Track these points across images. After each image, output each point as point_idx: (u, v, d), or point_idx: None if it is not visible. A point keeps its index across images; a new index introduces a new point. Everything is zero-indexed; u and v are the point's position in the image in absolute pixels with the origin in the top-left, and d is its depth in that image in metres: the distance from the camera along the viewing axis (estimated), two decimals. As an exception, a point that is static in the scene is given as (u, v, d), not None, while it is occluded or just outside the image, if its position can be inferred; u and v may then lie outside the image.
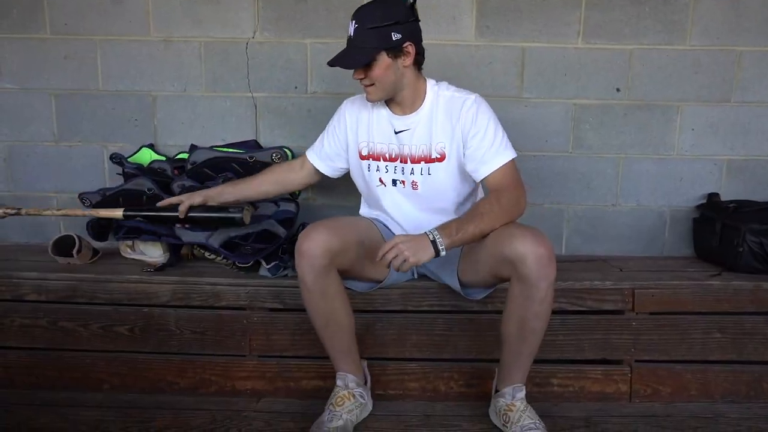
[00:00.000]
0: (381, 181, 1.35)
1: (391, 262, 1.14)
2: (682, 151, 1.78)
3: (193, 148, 1.72)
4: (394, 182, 1.34)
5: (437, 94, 1.30)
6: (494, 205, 1.21)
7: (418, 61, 1.27)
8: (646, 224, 1.82)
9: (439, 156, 1.29)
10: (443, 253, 1.14)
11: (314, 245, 1.18)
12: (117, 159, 1.73)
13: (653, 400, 1.48)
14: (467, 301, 1.39)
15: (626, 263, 1.68)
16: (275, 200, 1.66)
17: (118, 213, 1.44)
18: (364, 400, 1.32)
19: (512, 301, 1.20)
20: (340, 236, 1.22)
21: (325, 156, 1.43)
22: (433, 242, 1.14)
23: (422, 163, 1.30)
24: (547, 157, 1.78)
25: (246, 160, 1.67)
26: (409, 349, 1.46)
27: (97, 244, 1.66)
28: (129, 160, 1.73)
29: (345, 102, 1.42)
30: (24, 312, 1.48)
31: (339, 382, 1.30)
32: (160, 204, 1.43)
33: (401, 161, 1.32)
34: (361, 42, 1.19)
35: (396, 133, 1.31)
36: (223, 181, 1.65)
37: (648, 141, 1.77)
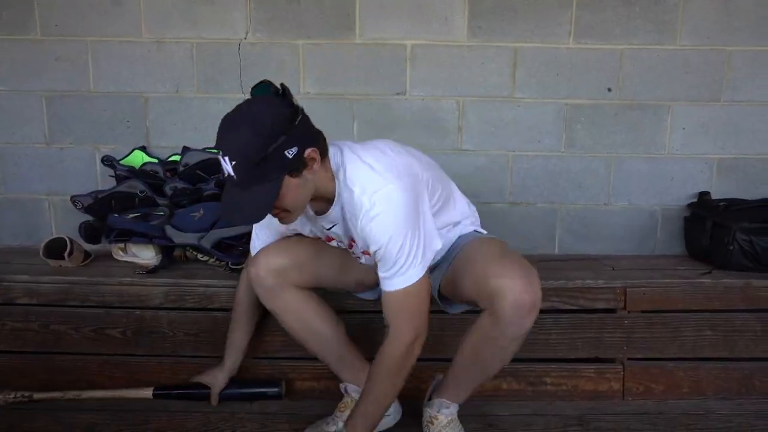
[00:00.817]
0: (328, 238, 1.21)
1: None
2: (673, 151, 1.79)
3: (185, 149, 1.71)
4: (339, 246, 1.21)
5: (342, 183, 1.03)
6: (394, 375, 1.04)
7: (324, 151, 1.01)
8: (637, 223, 1.83)
9: (365, 249, 1.11)
10: None
11: (258, 268, 1.18)
12: (108, 161, 1.72)
13: (646, 397, 1.49)
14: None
15: (618, 262, 1.69)
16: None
17: (147, 393, 1.37)
18: None
19: (477, 330, 1.10)
20: (287, 254, 1.18)
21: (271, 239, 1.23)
22: None
23: (359, 246, 1.13)
24: (540, 156, 1.79)
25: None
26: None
27: (89, 247, 1.65)
28: (121, 162, 1.72)
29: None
30: (15, 315, 1.47)
31: (341, 390, 1.31)
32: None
33: (347, 246, 1.18)
34: (251, 182, 0.91)
35: (328, 229, 1.15)
36: (216, 184, 1.65)
37: (639, 140, 1.78)
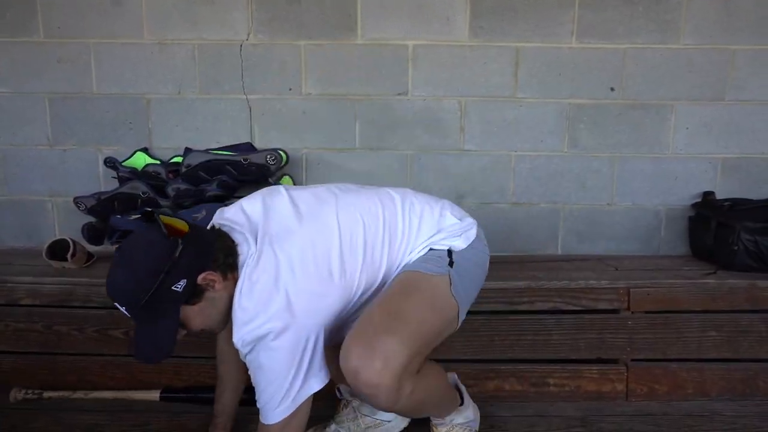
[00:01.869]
0: None
1: None
2: (677, 150, 1.78)
3: (187, 150, 1.72)
4: None
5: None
6: None
7: (228, 266, 0.95)
8: (641, 223, 1.83)
9: None
10: None
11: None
12: (111, 163, 1.73)
13: (649, 398, 1.48)
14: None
15: (622, 262, 1.68)
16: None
17: (154, 395, 1.37)
18: (367, 413, 1.25)
19: None
20: None
21: None
22: None
23: None
24: (543, 156, 1.79)
25: (240, 162, 1.67)
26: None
27: (91, 248, 1.66)
28: (123, 164, 1.72)
29: None
30: (18, 316, 1.47)
31: (336, 393, 1.30)
32: None
33: None
34: (147, 320, 0.90)
35: None
36: (218, 185, 1.65)
37: (642, 140, 1.78)
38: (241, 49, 1.72)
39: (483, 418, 1.36)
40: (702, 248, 1.71)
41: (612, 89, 1.74)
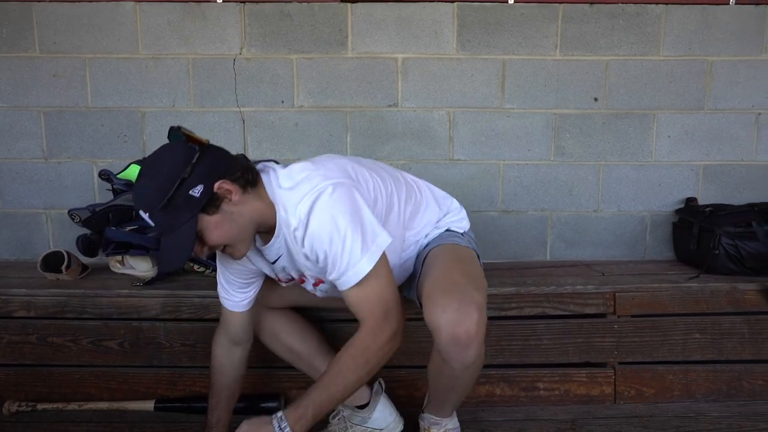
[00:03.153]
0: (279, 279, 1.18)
1: None
2: (660, 158, 1.84)
3: (181, 162, 1.74)
4: (305, 291, 1.17)
5: (279, 206, 1.00)
6: (361, 367, 0.95)
7: (247, 181, 0.97)
8: (627, 229, 1.87)
9: (316, 281, 1.10)
10: None
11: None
12: (105, 175, 1.75)
13: (637, 401, 1.51)
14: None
15: (608, 267, 1.73)
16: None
17: (148, 405, 1.38)
18: (357, 422, 1.28)
19: (431, 360, 1.08)
20: (264, 286, 1.18)
21: (242, 300, 1.17)
22: None
23: (309, 279, 1.11)
24: (530, 165, 1.83)
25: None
26: (397, 356, 1.45)
27: (86, 260, 1.67)
28: (118, 176, 1.74)
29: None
30: (13, 329, 1.48)
31: None
32: None
33: (298, 282, 1.15)
34: (170, 227, 0.92)
35: (272, 263, 1.10)
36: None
37: (626, 148, 1.83)
38: (234, 63, 1.76)
39: (474, 423, 1.39)
40: (686, 253, 1.76)
41: (596, 99, 1.80)
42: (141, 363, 1.48)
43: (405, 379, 1.47)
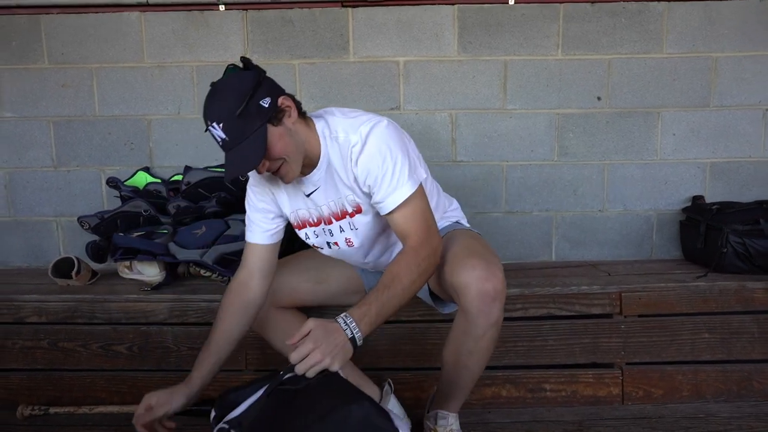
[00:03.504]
0: (316, 246, 1.25)
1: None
2: (665, 156, 1.82)
3: (187, 169, 1.77)
4: (329, 244, 1.22)
5: (329, 139, 1.11)
6: (413, 273, 1.03)
7: (300, 107, 1.10)
8: (633, 228, 1.86)
9: (354, 209, 1.15)
10: (360, 344, 0.98)
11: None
12: (113, 183, 1.78)
13: (645, 402, 1.49)
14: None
15: (614, 267, 1.71)
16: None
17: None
18: None
19: (453, 330, 1.14)
20: (276, 279, 1.22)
21: (265, 231, 1.21)
22: (352, 339, 0.96)
23: (346, 218, 1.16)
24: (534, 166, 1.83)
25: (239, 179, 1.71)
26: (403, 358, 1.49)
27: (95, 266, 1.70)
28: (125, 183, 1.77)
29: (249, 184, 1.23)
30: (26, 334, 1.51)
31: None
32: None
33: (325, 223, 1.19)
34: (240, 136, 1.00)
35: (307, 196, 1.16)
36: (217, 201, 1.70)
37: (631, 147, 1.82)
38: (237, 70, 1.78)
39: (481, 425, 1.39)
40: (693, 251, 1.74)
41: (599, 98, 1.79)
42: (149, 367, 1.50)
43: (411, 382, 1.48)
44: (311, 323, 0.97)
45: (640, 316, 1.50)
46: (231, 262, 1.55)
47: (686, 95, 1.79)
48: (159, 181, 1.77)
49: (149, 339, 1.50)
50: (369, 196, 1.11)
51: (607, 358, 1.50)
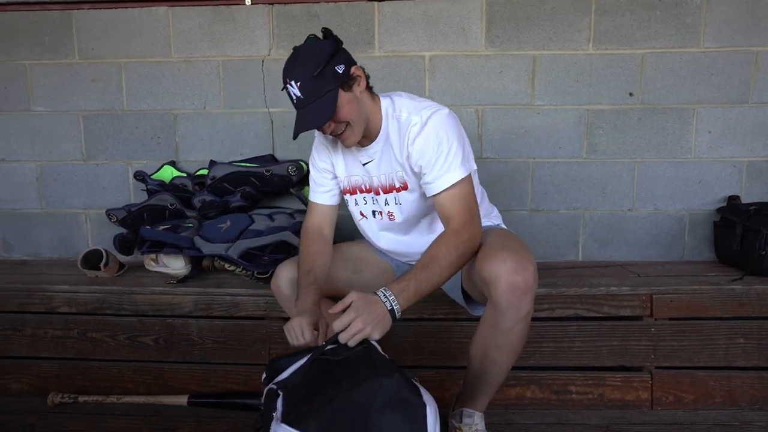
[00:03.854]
0: (362, 214, 1.31)
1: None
2: (700, 154, 1.76)
3: (212, 163, 1.78)
4: (374, 213, 1.29)
5: (390, 116, 1.20)
6: (452, 254, 1.07)
7: (368, 79, 1.19)
8: (664, 228, 1.80)
9: (401, 185, 1.22)
10: (398, 316, 1.03)
11: (278, 279, 1.27)
12: (140, 176, 1.80)
13: (675, 407, 1.45)
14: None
15: (644, 268, 1.67)
16: (292, 212, 1.71)
17: (182, 400, 1.42)
18: None
19: (481, 325, 1.14)
20: None
21: (330, 187, 1.32)
22: (391, 311, 1.02)
23: (392, 192, 1.24)
24: (561, 163, 1.78)
25: (263, 174, 1.72)
26: (426, 356, 1.48)
27: (122, 258, 1.73)
28: (152, 177, 1.80)
29: (317, 136, 1.32)
30: (57, 324, 1.55)
31: None
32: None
33: (374, 193, 1.27)
34: (314, 95, 1.09)
35: (363, 165, 1.25)
36: (241, 196, 1.71)
37: (664, 144, 1.76)
38: (262, 65, 1.78)
39: (504, 425, 1.37)
40: (728, 254, 1.68)
41: (631, 94, 1.74)
42: (175, 359, 1.52)
43: (433, 380, 1.46)
44: (353, 295, 1.02)
45: (671, 319, 1.46)
46: (255, 257, 1.56)
47: (723, 91, 1.72)
48: (185, 175, 1.79)
49: (174, 331, 1.52)
50: (417, 176, 1.18)
51: (636, 362, 1.46)
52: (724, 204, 1.75)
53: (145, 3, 1.77)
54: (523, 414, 1.44)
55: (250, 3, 1.75)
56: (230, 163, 1.76)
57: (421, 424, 0.89)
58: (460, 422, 1.22)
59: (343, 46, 1.15)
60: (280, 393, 0.96)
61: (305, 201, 1.73)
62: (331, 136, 1.19)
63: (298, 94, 1.10)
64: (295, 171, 1.71)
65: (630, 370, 1.47)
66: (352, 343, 0.98)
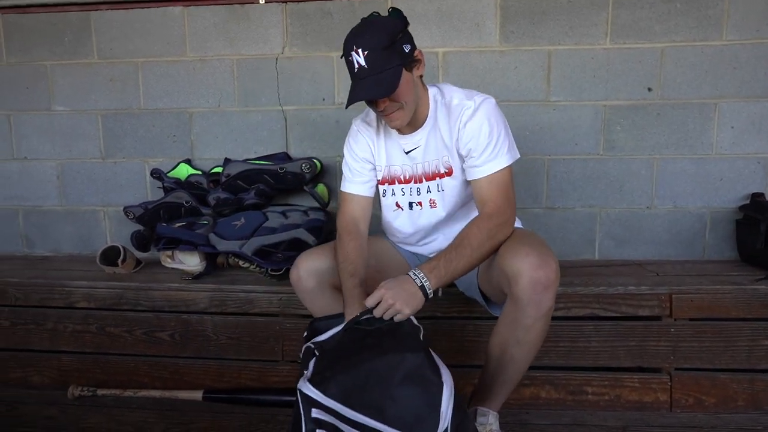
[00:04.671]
0: (398, 205, 1.30)
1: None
2: (722, 150, 1.71)
3: (227, 161, 1.80)
4: (411, 205, 1.29)
5: (439, 103, 1.22)
6: (484, 236, 1.09)
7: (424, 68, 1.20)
8: (684, 227, 1.76)
9: (446, 170, 1.23)
10: (431, 296, 1.06)
11: (298, 270, 1.26)
12: (156, 174, 1.83)
13: (696, 410, 1.42)
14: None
15: (663, 267, 1.63)
16: (305, 210, 1.72)
17: (197, 395, 1.43)
18: None
19: (500, 321, 1.13)
20: (325, 257, 1.25)
21: (366, 177, 1.31)
22: (422, 288, 1.05)
23: (436, 179, 1.24)
24: (577, 160, 1.75)
25: (277, 172, 1.73)
26: (439, 355, 1.46)
27: (139, 255, 1.76)
28: (168, 175, 1.82)
29: (354, 124, 1.33)
30: (76, 319, 1.58)
31: None
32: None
33: (415, 181, 1.27)
34: (380, 66, 1.09)
35: (406, 153, 1.26)
36: (256, 193, 1.72)
37: (684, 140, 1.71)
38: (276, 63, 1.79)
39: (519, 425, 1.35)
40: (751, 253, 1.63)
41: (649, 89, 1.70)
42: (190, 354, 1.54)
43: (446, 379, 1.45)
44: (389, 282, 1.05)
45: (691, 319, 1.42)
46: (269, 254, 1.57)
47: (747, 85, 1.67)
48: (200, 172, 1.81)
49: (190, 327, 1.54)
50: (462, 159, 1.20)
51: (655, 363, 1.43)
52: (748, 201, 1.70)
53: (161, 3, 1.79)
54: (538, 414, 1.42)
55: (264, 2, 1.76)
56: (244, 161, 1.78)
57: (434, 402, 0.91)
58: (474, 421, 1.21)
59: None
60: (316, 354, 1.02)
61: (319, 198, 1.74)
62: (370, 126, 1.25)
63: (363, 63, 1.09)
64: (308, 168, 1.71)
65: (648, 371, 1.44)
66: (386, 317, 1.02)
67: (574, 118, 1.73)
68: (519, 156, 1.20)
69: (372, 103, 1.16)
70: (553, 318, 1.41)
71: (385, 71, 1.09)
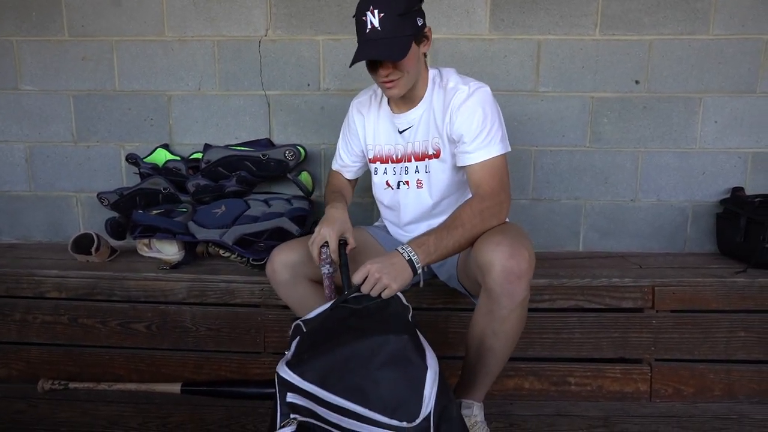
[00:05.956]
0: (388, 184, 1.32)
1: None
2: (705, 144, 1.73)
3: (207, 147, 1.73)
4: (399, 184, 1.30)
5: (437, 85, 1.22)
6: (476, 216, 1.09)
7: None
8: (666, 220, 1.78)
9: (434, 152, 1.24)
10: (420, 272, 1.05)
11: (273, 264, 1.24)
12: (132, 159, 1.76)
13: (674, 400, 1.44)
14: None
15: (646, 260, 1.64)
16: (288, 198, 1.67)
17: (175, 388, 1.36)
18: None
19: (476, 312, 1.12)
20: (299, 249, 1.23)
21: (349, 165, 1.40)
22: (410, 261, 1.03)
23: (424, 160, 1.25)
24: (564, 151, 1.75)
25: (259, 159, 1.68)
26: (424, 346, 1.45)
27: (114, 243, 1.69)
28: (145, 160, 1.75)
29: (352, 103, 1.38)
30: (46, 309, 1.51)
31: None
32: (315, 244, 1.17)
33: (406, 160, 1.28)
34: (393, 31, 1.09)
35: (400, 132, 1.27)
36: (237, 181, 1.66)
37: (669, 134, 1.72)
38: (259, 45, 1.73)
39: (502, 416, 1.35)
40: (730, 246, 1.66)
41: (637, 82, 1.70)
42: (168, 346, 1.50)
43: (431, 370, 1.44)
44: (370, 262, 1.03)
45: (673, 311, 1.44)
46: (251, 243, 1.53)
47: (731, 80, 1.68)
48: (178, 158, 1.74)
49: (167, 318, 1.49)
50: (452, 144, 1.20)
51: (636, 354, 1.45)
52: (728, 195, 1.73)
53: (137, -22, 1.70)
54: (522, 405, 1.42)
55: (246, -20, 1.69)
56: (226, 146, 1.72)
57: (418, 385, 0.88)
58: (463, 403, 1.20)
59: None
60: (304, 331, 0.98)
61: (303, 187, 1.70)
62: (364, 105, 1.29)
63: (376, 25, 1.09)
64: (292, 156, 1.67)
65: (629, 362, 1.45)
66: (374, 293, 1.00)
67: (562, 109, 1.72)
68: (510, 150, 1.19)
69: (374, 69, 1.14)
70: (538, 309, 1.43)
71: (397, 38, 1.10)
